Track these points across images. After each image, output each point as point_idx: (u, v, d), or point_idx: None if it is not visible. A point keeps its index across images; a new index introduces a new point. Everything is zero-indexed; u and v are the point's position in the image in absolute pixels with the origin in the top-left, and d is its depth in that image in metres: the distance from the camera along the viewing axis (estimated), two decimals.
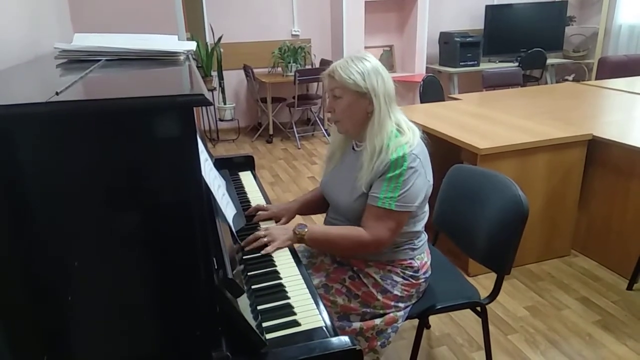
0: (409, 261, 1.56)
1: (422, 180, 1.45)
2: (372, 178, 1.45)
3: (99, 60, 1.28)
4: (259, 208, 1.69)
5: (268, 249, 1.43)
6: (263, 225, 1.62)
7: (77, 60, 1.32)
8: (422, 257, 1.60)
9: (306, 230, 1.47)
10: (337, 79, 1.45)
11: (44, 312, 0.88)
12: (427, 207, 1.58)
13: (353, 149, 1.60)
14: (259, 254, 1.43)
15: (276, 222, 1.66)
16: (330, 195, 1.64)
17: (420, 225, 1.57)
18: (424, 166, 1.46)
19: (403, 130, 1.48)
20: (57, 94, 0.83)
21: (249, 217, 1.68)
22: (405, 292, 1.55)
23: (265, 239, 1.45)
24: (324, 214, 1.74)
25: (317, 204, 1.77)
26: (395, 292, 1.53)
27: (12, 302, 0.87)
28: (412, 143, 1.45)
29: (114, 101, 0.84)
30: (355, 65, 1.45)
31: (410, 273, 1.55)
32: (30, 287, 0.87)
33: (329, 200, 1.66)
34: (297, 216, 1.73)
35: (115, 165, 0.85)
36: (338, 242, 1.49)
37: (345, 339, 1.05)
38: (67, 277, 0.87)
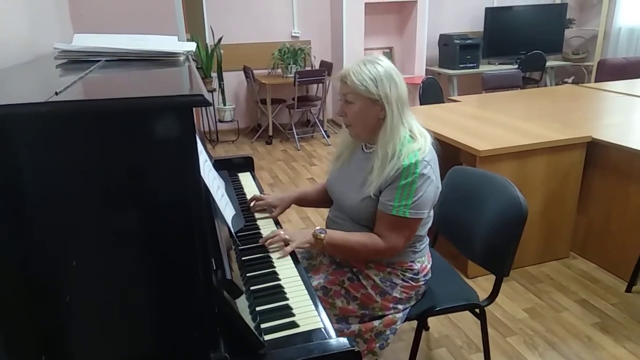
0: (409, 264, 1.56)
1: (433, 186, 1.46)
2: (382, 183, 1.44)
3: (99, 61, 1.28)
4: (255, 198, 1.74)
5: (287, 249, 1.44)
6: (260, 223, 1.64)
7: (76, 61, 1.32)
8: (423, 260, 1.60)
9: (324, 235, 1.47)
10: (350, 84, 1.44)
11: (43, 313, 0.88)
12: (432, 212, 1.58)
13: (362, 149, 1.59)
14: (258, 255, 1.43)
15: (270, 212, 1.72)
16: (335, 193, 1.64)
17: (423, 230, 1.57)
18: (434, 172, 1.46)
19: (415, 136, 1.47)
20: (56, 93, 0.83)
21: (246, 212, 1.70)
22: (405, 294, 1.55)
23: (287, 236, 1.46)
24: (323, 212, 1.74)
25: (315, 199, 1.80)
26: (395, 294, 1.53)
27: (11, 302, 0.86)
28: (424, 149, 1.44)
29: (113, 101, 0.84)
30: (368, 70, 1.43)
31: (410, 275, 1.55)
32: (29, 287, 0.86)
33: (333, 198, 1.66)
34: (310, 217, 1.74)
35: (114, 166, 0.84)
36: (356, 249, 1.49)
37: (343, 340, 1.05)
38: (65, 278, 0.87)
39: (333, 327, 1.13)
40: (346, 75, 1.45)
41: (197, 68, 4.73)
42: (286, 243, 1.45)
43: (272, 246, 1.46)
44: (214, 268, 1.02)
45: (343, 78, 1.47)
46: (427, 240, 1.63)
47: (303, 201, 1.82)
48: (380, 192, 1.46)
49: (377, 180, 1.44)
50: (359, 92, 1.43)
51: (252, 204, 1.73)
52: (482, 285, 2.44)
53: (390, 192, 1.43)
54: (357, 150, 1.61)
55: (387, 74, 1.43)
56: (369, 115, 1.46)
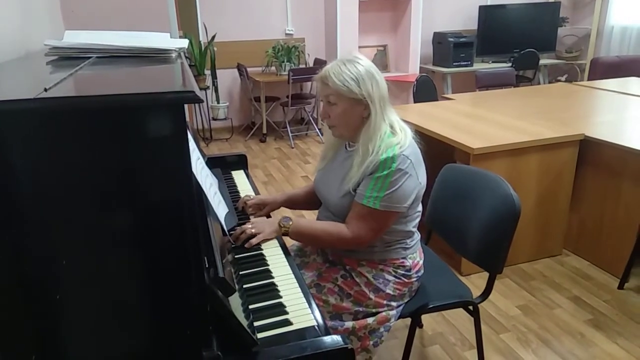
0: (401, 260, 1.56)
1: (412, 182, 1.44)
2: (360, 178, 1.45)
3: (90, 58, 1.27)
4: (246, 199, 1.74)
5: (253, 241, 1.44)
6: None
7: (67, 58, 1.31)
8: (415, 256, 1.60)
9: (290, 223, 1.49)
10: (332, 86, 1.42)
11: (33, 311, 0.87)
12: (420, 207, 1.58)
13: (345, 148, 1.60)
14: (252, 253, 1.42)
15: (260, 209, 1.71)
16: (321, 192, 1.64)
17: (412, 225, 1.56)
18: (415, 167, 1.45)
19: (395, 131, 1.47)
20: (45, 90, 0.82)
21: (239, 212, 1.69)
22: (398, 291, 1.55)
23: (253, 230, 1.46)
24: (314, 211, 1.74)
25: (305, 200, 1.79)
26: (388, 291, 1.53)
27: (0, 300, 0.85)
28: (403, 144, 1.43)
29: (103, 98, 0.83)
30: (349, 70, 1.41)
31: (402, 272, 1.55)
32: (19, 286, 0.85)
33: (320, 197, 1.66)
34: (284, 209, 1.76)
35: (104, 163, 0.84)
36: (320, 236, 1.51)
37: (337, 337, 1.04)
38: (55, 276, 0.86)
39: (326, 324, 1.13)
40: (327, 76, 1.43)
41: (190, 65, 4.71)
42: (253, 235, 1.46)
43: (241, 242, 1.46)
44: (207, 266, 1.01)
45: (324, 79, 1.44)
46: (418, 236, 1.63)
47: (292, 203, 1.81)
48: (359, 185, 1.46)
49: (356, 175, 1.44)
50: (342, 93, 1.42)
51: (243, 202, 1.72)
52: (475, 282, 2.45)
53: (365, 182, 1.44)
54: (341, 149, 1.62)
55: (368, 73, 1.42)
56: (352, 115, 1.46)
